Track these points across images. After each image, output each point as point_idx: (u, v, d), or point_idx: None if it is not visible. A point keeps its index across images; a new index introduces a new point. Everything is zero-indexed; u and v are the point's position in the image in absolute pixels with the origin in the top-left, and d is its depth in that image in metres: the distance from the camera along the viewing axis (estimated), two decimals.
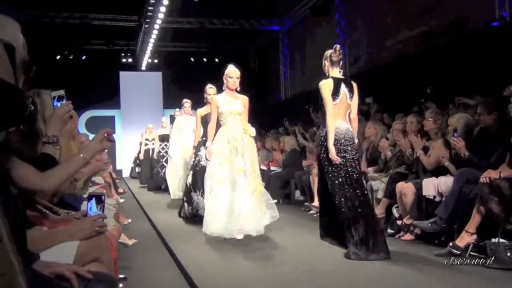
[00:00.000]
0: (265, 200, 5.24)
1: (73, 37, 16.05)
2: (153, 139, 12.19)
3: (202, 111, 6.68)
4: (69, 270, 1.55)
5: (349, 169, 4.36)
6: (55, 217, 2.42)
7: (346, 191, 4.29)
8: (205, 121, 6.34)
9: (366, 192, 4.54)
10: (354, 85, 4.60)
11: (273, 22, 15.85)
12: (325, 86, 4.49)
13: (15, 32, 0.78)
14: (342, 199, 4.29)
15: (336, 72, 4.63)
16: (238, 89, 5.45)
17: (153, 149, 12.08)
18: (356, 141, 4.63)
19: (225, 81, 5.45)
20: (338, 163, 4.35)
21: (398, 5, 10.25)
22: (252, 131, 5.31)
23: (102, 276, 1.68)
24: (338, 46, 4.65)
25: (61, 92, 2.19)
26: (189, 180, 6.50)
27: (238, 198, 4.98)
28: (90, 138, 8.68)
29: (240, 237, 4.94)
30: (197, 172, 6.30)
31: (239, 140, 5.19)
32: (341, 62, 4.71)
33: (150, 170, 12.22)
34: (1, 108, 0.66)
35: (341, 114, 4.49)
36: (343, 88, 4.50)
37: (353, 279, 3.62)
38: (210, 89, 6.60)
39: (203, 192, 5.67)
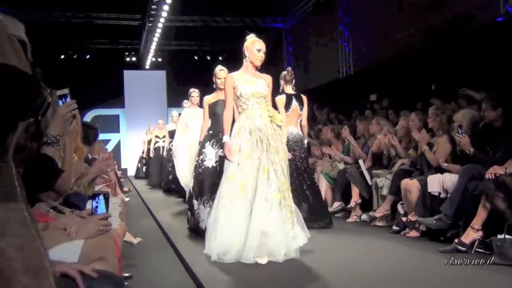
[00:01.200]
0: (295, 212, 4.10)
1: (77, 36, 16.08)
2: (164, 136, 11.18)
3: (210, 98, 5.58)
4: (74, 269, 1.55)
5: (297, 164, 5.60)
6: (59, 215, 2.43)
7: (295, 179, 5.26)
8: (213, 110, 5.46)
9: (314, 180, 5.95)
10: (304, 98, 5.84)
11: (276, 20, 15.83)
12: (280, 101, 5.67)
13: (20, 33, 0.79)
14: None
15: (289, 89, 5.83)
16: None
17: (163, 147, 11.08)
18: (305, 141, 5.96)
19: (247, 55, 4.22)
20: (289, 158, 4.52)
21: (402, 1, 10.21)
22: (280, 118, 4.18)
23: (106, 275, 1.67)
24: (290, 68, 5.98)
25: (66, 91, 2.19)
26: (192, 183, 5.52)
27: (261, 211, 3.84)
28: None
29: (263, 261, 3.82)
30: (200, 174, 5.29)
31: (265, 131, 4.02)
32: (293, 81, 5.86)
33: (160, 170, 11.29)
34: (21, 97, 0.68)
35: (293, 122, 5.72)
36: (294, 102, 5.74)
37: (354, 276, 3.61)
38: (221, 71, 5.52)
39: (206, 200, 5.04)
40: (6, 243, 0.65)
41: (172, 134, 9.43)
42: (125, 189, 10.56)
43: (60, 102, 2.20)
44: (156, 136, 12.12)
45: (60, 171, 2.06)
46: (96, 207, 2.12)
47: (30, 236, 0.69)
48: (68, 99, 2.18)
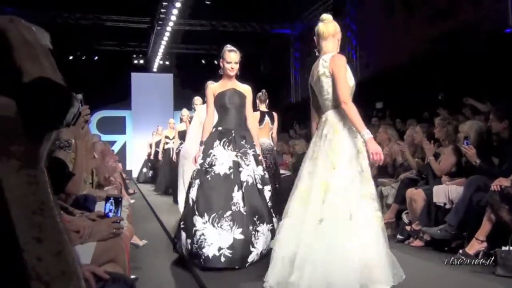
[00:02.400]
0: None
1: (86, 38, 16.19)
2: (174, 138, 9.82)
3: (216, 87, 4.54)
4: (87, 270, 1.59)
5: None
6: (69, 217, 2.46)
7: None
8: (221, 102, 4.46)
9: (277, 184, 6.14)
10: (275, 115, 6.80)
11: (284, 26, 15.88)
12: (255, 117, 5.84)
13: (47, 42, 0.83)
14: None
15: (263, 107, 6.69)
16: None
17: (173, 149, 9.54)
18: (275, 148, 6.95)
19: None
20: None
21: (410, 10, 10.24)
22: None
23: (118, 276, 1.71)
24: (264, 91, 6.71)
25: (79, 96, 2.24)
26: (193, 194, 4.17)
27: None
28: (102, 139, 8.78)
29: None
30: (208, 183, 4.14)
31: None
32: (267, 101, 6.73)
33: (170, 175, 9.94)
34: (56, 108, 0.72)
35: (265, 134, 6.51)
36: (266, 118, 6.60)
37: None
38: (231, 53, 4.53)
39: (216, 218, 3.97)
40: (43, 249, 0.68)
41: (182, 135, 8.77)
42: (130, 191, 10.58)
43: None
44: (166, 137, 11.11)
45: (71, 174, 2.10)
46: (110, 210, 2.16)
47: (64, 242, 0.72)
48: (82, 104, 2.22)
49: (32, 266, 0.67)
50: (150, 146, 13.68)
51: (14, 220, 0.68)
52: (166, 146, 10.93)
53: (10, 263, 0.66)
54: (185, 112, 9.15)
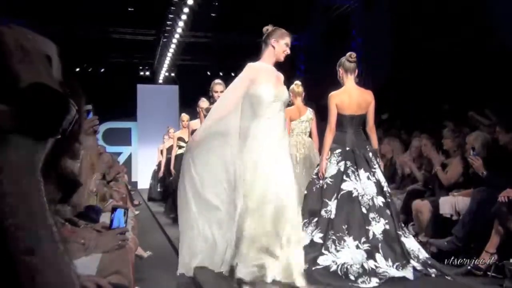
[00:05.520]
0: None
1: (92, 50, 16.31)
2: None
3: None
4: (92, 281, 1.58)
5: None
6: (74, 228, 2.46)
7: None
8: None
9: None
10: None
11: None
12: None
13: (52, 54, 0.83)
14: None
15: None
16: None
17: None
18: None
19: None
20: None
21: (416, 21, 10.25)
22: None
23: None
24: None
25: (89, 106, 2.26)
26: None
27: None
28: (108, 150, 8.79)
29: None
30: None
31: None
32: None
33: None
34: (51, 115, 0.71)
35: None
36: None
37: None
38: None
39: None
40: (38, 259, 0.67)
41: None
42: (135, 202, 10.55)
43: None
44: (180, 139, 8.38)
45: (78, 184, 2.10)
46: (116, 221, 2.15)
47: (60, 253, 0.71)
48: (91, 115, 2.24)
49: (26, 278, 0.66)
50: (162, 152, 10.93)
51: (7, 230, 0.67)
52: (179, 151, 8.12)
53: (3, 274, 0.65)
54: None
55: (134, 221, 4.22)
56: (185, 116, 8.51)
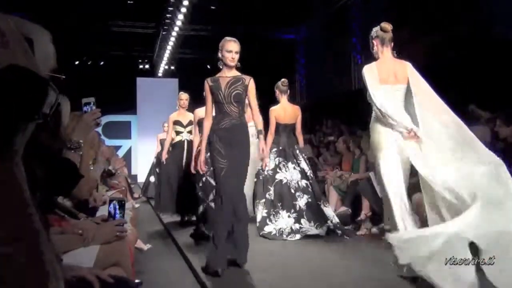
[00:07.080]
0: None
1: (92, 43, 16.28)
2: (189, 124, 6.92)
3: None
4: (91, 273, 1.58)
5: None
6: (73, 220, 2.46)
7: None
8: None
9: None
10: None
11: (289, 31, 15.90)
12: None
13: (46, 41, 0.81)
14: None
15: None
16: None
17: (190, 142, 6.59)
18: None
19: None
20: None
21: (416, 15, 10.23)
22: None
23: (122, 280, 1.70)
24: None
25: (91, 99, 2.25)
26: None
27: None
28: (107, 143, 8.78)
29: None
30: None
31: None
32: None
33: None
34: (28, 98, 0.69)
35: None
36: None
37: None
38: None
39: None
40: (16, 249, 0.65)
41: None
42: (135, 195, 10.58)
43: (85, 109, 2.24)
44: (176, 123, 7.06)
45: (80, 176, 2.09)
46: (114, 212, 2.15)
47: (42, 242, 0.69)
48: (94, 107, 2.23)
49: (6, 268, 0.64)
50: (161, 142, 9.43)
51: None
52: (178, 138, 6.98)
53: None
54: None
55: (133, 213, 4.23)
56: (183, 95, 7.18)
